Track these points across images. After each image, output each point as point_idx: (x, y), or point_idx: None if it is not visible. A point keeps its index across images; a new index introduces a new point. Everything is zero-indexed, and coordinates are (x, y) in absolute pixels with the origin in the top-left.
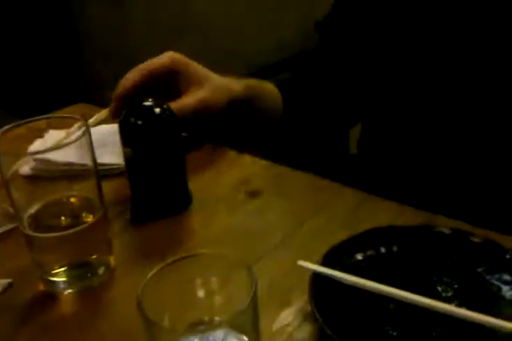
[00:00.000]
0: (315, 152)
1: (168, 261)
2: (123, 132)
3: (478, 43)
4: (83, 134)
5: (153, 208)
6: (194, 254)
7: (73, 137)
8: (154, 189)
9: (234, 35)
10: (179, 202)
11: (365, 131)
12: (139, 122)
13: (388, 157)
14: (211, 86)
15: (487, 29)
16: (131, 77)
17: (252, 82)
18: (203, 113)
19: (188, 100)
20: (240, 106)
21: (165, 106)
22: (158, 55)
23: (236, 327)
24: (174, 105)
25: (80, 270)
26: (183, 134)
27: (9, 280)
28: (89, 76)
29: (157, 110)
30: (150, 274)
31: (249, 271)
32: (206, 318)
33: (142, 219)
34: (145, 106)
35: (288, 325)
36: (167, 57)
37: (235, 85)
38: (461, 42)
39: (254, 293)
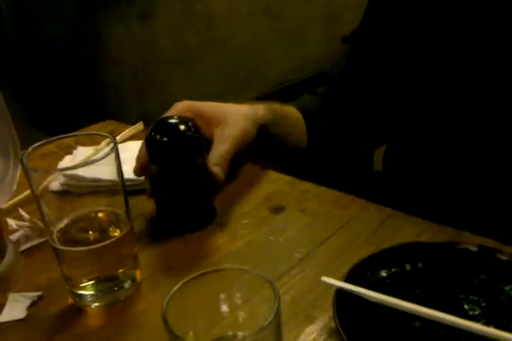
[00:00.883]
0: (340, 170)
1: (192, 275)
2: (148, 149)
3: (507, 69)
4: (111, 151)
5: (178, 223)
6: (218, 269)
7: (101, 154)
8: (179, 204)
9: (257, 53)
10: (203, 218)
11: (389, 148)
12: (165, 139)
13: (413, 173)
14: (236, 121)
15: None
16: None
17: (274, 105)
18: (240, 150)
19: (223, 147)
20: (264, 129)
21: (190, 122)
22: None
23: None
24: (213, 157)
25: (107, 283)
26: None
27: (39, 293)
28: (115, 92)
29: (182, 127)
30: (174, 289)
31: (273, 287)
32: (230, 333)
33: (167, 234)
34: (170, 123)
35: None
36: (176, 111)
37: (259, 111)
38: (489, 60)
39: (278, 309)
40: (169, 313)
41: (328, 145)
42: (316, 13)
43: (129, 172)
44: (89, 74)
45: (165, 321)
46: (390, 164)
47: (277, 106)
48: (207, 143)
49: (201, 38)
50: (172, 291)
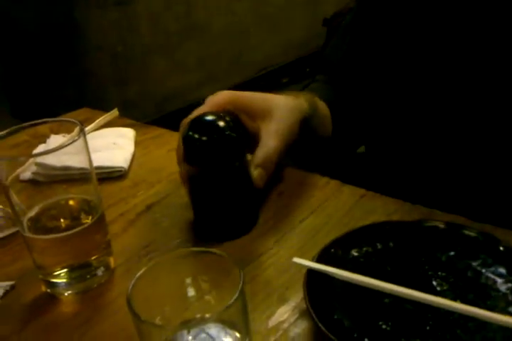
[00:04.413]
0: (322, 151)
1: (160, 258)
2: (186, 149)
3: (494, 61)
4: (78, 137)
5: (218, 229)
6: (186, 252)
7: (68, 140)
8: (219, 209)
9: (238, 38)
10: (245, 223)
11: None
12: (203, 139)
13: (391, 154)
14: (283, 115)
15: (501, 43)
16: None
17: (309, 97)
18: (288, 147)
19: (271, 144)
20: (304, 123)
21: (227, 118)
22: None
23: (227, 323)
24: (258, 156)
25: (80, 271)
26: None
27: (11, 282)
28: (94, 79)
29: (221, 124)
30: (140, 272)
31: (236, 266)
32: (198, 316)
33: (206, 240)
34: (208, 120)
35: (284, 321)
36: (214, 104)
37: (302, 104)
38: (475, 54)
39: (242, 288)
40: (135, 297)
41: (350, 132)
42: None
43: (103, 159)
44: (68, 63)
45: (129, 305)
46: (373, 145)
47: (311, 97)
48: (250, 139)
49: (181, 23)
50: (138, 275)
